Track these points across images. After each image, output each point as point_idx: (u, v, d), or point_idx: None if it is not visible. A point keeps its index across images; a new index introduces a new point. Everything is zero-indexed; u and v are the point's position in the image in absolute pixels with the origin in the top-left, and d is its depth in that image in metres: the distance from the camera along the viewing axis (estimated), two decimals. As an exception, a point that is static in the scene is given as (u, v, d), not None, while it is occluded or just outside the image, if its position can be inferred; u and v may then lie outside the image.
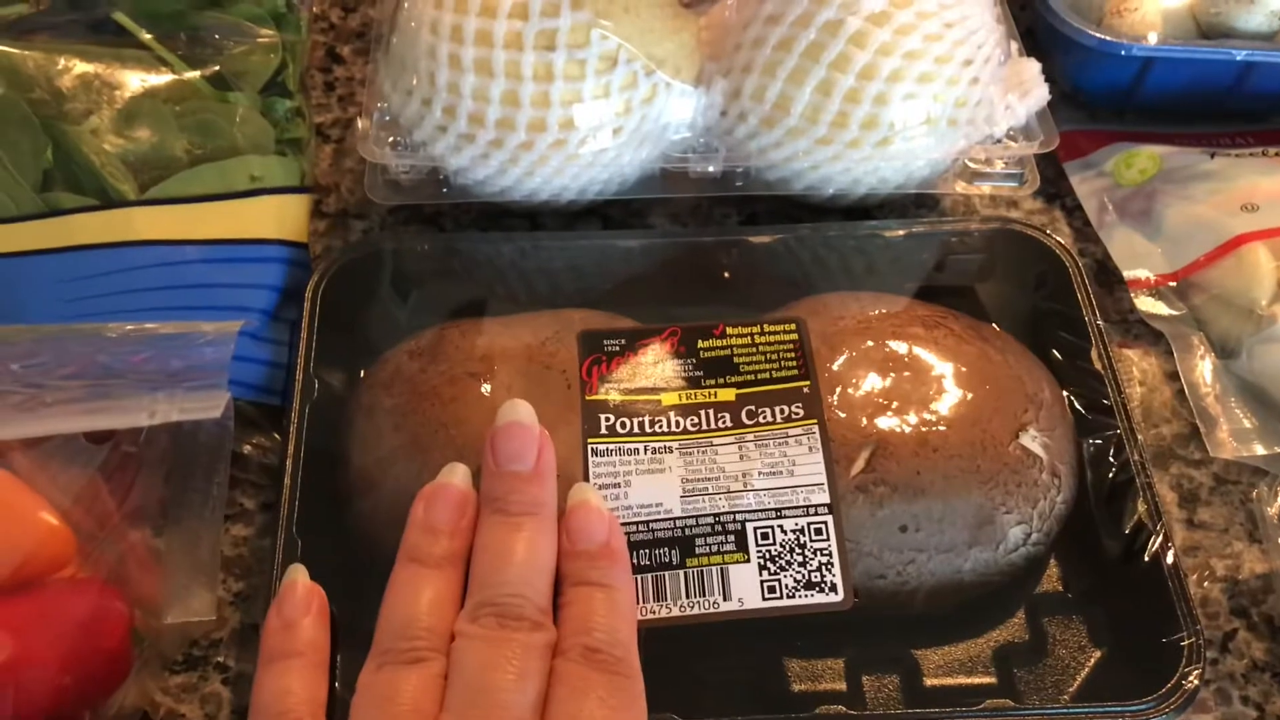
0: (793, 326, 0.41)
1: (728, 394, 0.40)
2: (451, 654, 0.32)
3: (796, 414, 0.39)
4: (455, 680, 0.31)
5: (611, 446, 0.38)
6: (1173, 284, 0.47)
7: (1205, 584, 0.41)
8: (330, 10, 0.57)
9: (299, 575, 0.35)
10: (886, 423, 0.38)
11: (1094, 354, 0.42)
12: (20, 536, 0.32)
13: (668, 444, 0.38)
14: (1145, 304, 0.47)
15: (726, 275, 0.46)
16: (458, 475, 0.36)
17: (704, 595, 0.36)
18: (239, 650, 0.39)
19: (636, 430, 0.39)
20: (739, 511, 0.37)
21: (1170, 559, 0.37)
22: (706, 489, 0.37)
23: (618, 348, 0.41)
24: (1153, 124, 0.53)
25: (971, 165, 0.47)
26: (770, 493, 0.37)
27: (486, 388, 0.39)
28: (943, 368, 0.40)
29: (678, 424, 0.39)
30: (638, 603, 0.35)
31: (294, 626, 0.34)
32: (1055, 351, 0.43)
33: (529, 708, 0.31)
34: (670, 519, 0.37)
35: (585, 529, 0.35)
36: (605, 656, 0.32)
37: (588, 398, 0.39)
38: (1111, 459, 0.40)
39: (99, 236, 0.41)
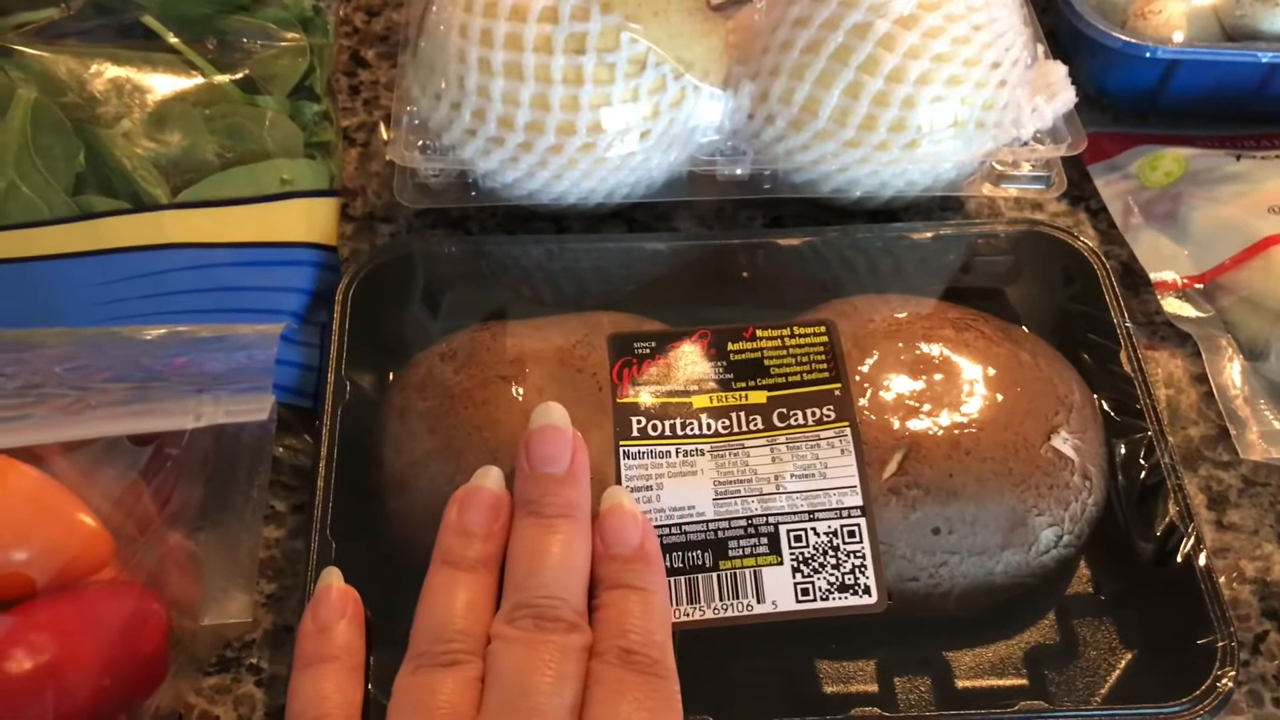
0: (823, 329, 0.41)
1: (759, 396, 0.40)
2: (488, 657, 0.32)
3: (828, 416, 0.39)
4: (492, 683, 0.31)
5: (643, 449, 0.38)
6: (1200, 286, 0.47)
7: (1235, 585, 0.41)
8: (354, 14, 0.57)
9: (334, 579, 0.35)
10: (918, 425, 0.38)
11: (1123, 356, 0.42)
12: (61, 541, 0.32)
13: (699, 446, 0.38)
14: (1172, 306, 0.47)
15: (753, 278, 0.46)
16: (491, 478, 0.36)
17: (737, 598, 0.36)
18: (272, 652, 0.39)
19: (668, 433, 0.39)
20: (771, 514, 0.37)
21: (1202, 561, 0.37)
22: (739, 491, 0.38)
23: (648, 350, 0.41)
24: (1177, 126, 0.53)
25: (998, 168, 0.47)
26: (803, 495, 0.37)
27: (519, 390, 0.39)
28: (973, 370, 0.40)
29: (709, 426, 0.39)
30: (671, 605, 0.36)
31: (329, 630, 0.34)
32: (1084, 354, 0.43)
33: (566, 710, 0.31)
34: (703, 521, 0.37)
35: (619, 532, 0.35)
36: (641, 658, 0.32)
37: (619, 400, 0.39)
38: (1142, 461, 0.40)
39: (131, 240, 0.41)
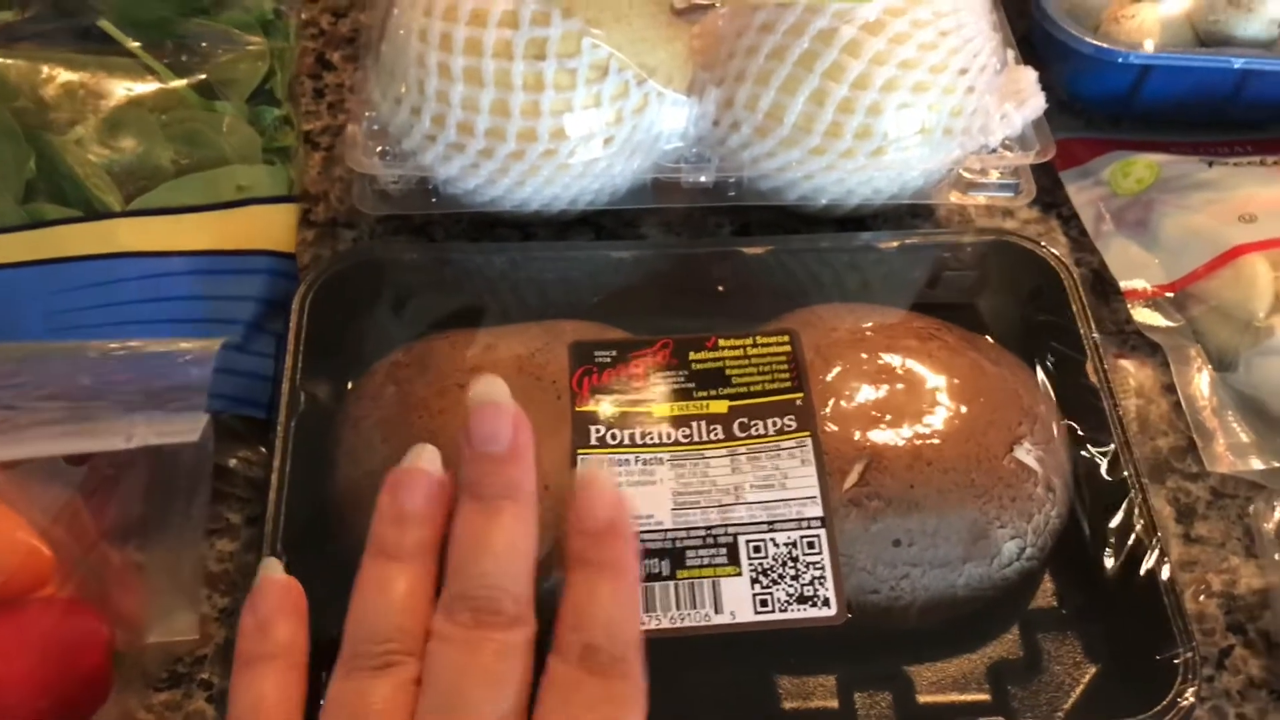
0: (786, 339, 0.41)
1: (720, 406, 0.39)
2: (425, 659, 0.30)
3: (789, 426, 0.38)
4: (427, 689, 0.30)
5: (601, 458, 0.38)
6: (1170, 295, 0.47)
7: (1201, 599, 0.41)
8: (320, 16, 0.57)
9: (274, 570, 0.34)
10: (880, 436, 0.38)
11: (1089, 367, 0.42)
12: (-2, 556, 0.31)
13: (659, 455, 0.38)
14: (1142, 315, 0.47)
15: (719, 286, 0.45)
16: (424, 458, 0.33)
17: (695, 607, 0.36)
18: (224, 667, 0.38)
19: (627, 441, 0.38)
20: (731, 524, 0.37)
21: (1166, 574, 0.37)
22: (698, 501, 0.37)
23: (609, 359, 0.40)
24: (1150, 132, 0.52)
25: (967, 175, 0.47)
26: (762, 505, 0.37)
27: (475, 401, 0.38)
28: (937, 380, 0.39)
29: (669, 435, 0.38)
30: None
31: (268, 626, 0.32)
32: (1050, 364, 0.43)
33: (507, 715, 0.29)
34: (661, 530, 0.37)
35: (591, 506, 0.32)
36: (604, 657, 0.30)
37: (578, 409, 0.39)
38: (1107, 473, 0.39)
39: (83, 248, 0.40)
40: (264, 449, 0.41)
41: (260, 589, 0.33)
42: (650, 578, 0.36)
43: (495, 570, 0.31)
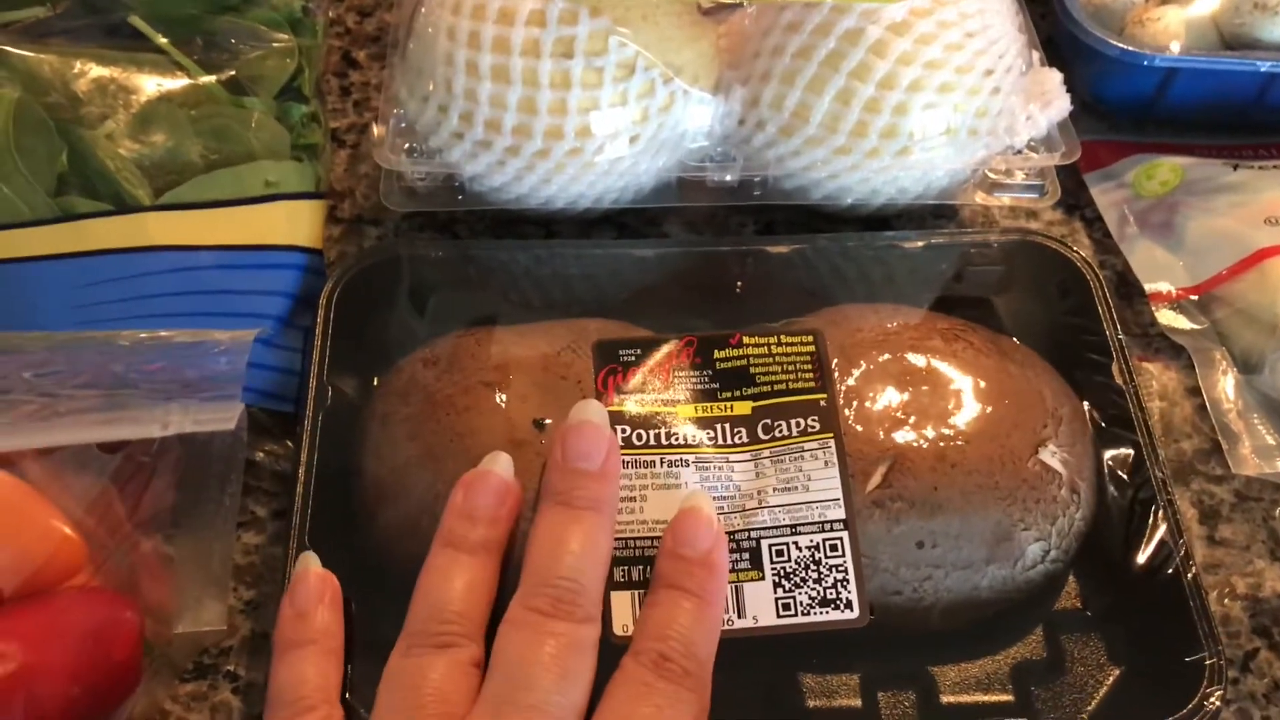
0: (810, 338, 0.41)
1: (744, 407, 0.39)
2: (496, 639, 0.32)
3: (813, 427, 0.38)
4: (496, 669, 0.31)
5: (627, 458, 0.38)
6: (1194, 297, 0.47)
7: (1226, 602, 0.41)
8: (346, 15, 0.57)
9: (311, 563, 0.35)
10: (904, 437, 0.38)
11: (1115, 369, 0.42)
12: (32, 545, 0.31)
13: (684, 457, 0.38)
14: (1166, 317, 0.46)
15: (742, 285, 0.45)
16: (500, 464, 0.35)
17: None
18: (249, 659, 0.38)
19: (652, 443, 0.38)
20: (753, 529, 0.37)
21: (1191, 577, 0.37)
22: (722, 507, 0.37)
23: (633, 357, 0.40)
24: (1174, 135, 0.52)
25: (991, 176, 0.47)
26: (785, 509, 0.37)
27: (501, 397, 0.39)
28: (962, 382, 0.39)
29: (693, 438, 0.38)
30: None
31: (307, 615, 0.34)
32: (1075, 366, 0.42)
33: (570, 709, 0.30)
34: None
35: (692, 534, 0.34)
36: (675, 667, 0.31)
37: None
38: (1132, 475, 0.39)
39: (113, 242, 0.41)
40: (290, 443, 0.41)
41: (298, 580, 0.35)
42: None
43: (575, 568, 0.33)
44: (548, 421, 0.38)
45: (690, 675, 0.32)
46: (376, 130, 0.45)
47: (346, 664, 0.34)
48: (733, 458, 0.38)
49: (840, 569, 0.36)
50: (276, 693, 0.32)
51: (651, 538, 0.36)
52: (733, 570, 0.36)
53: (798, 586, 0.36)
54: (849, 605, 0.36)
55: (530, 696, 0.30)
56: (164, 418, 0.32)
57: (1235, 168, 0.50)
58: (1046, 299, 0.45)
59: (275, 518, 0.41)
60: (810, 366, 0.40)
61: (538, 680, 0.30)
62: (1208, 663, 0.35)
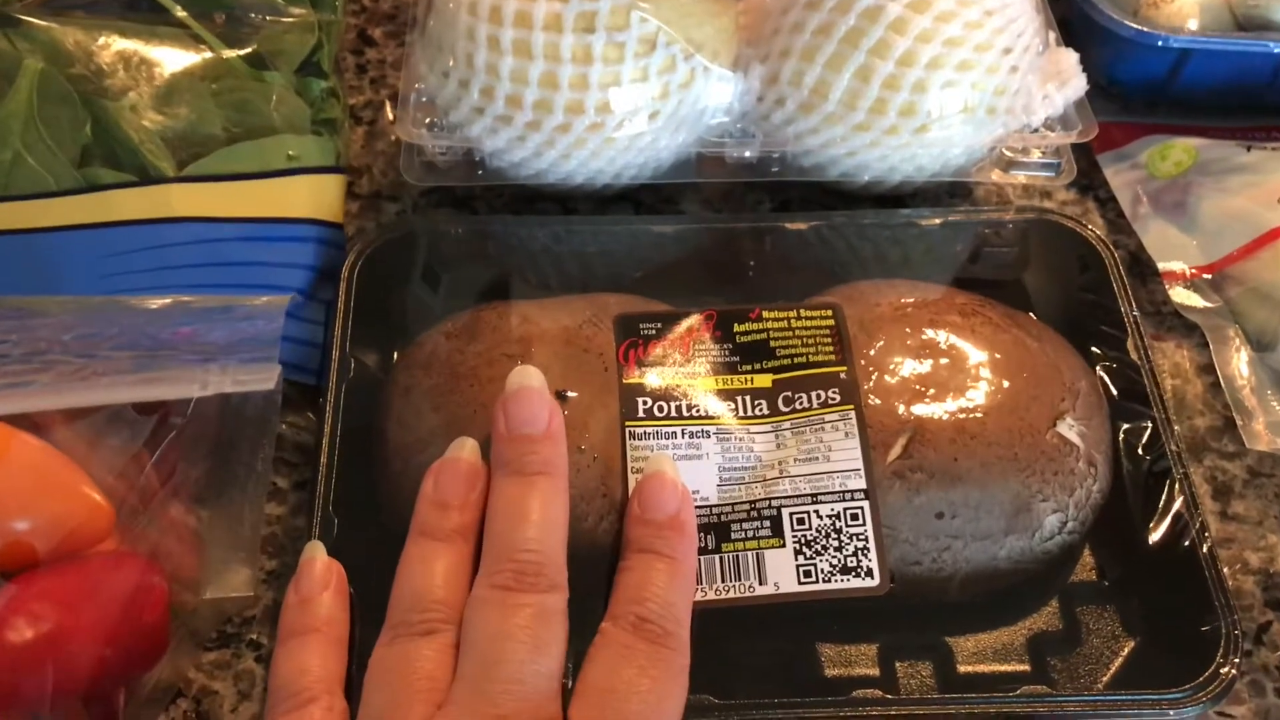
0: (829, 312, 0.41)
1: (764, 380, 0.40)
2: (465, 619, 0.32)
3: (833, 399, 0.39)
4: (467, 649, 0.31)
5: (649, 429, 0.38)
6: (1208, 276, 0.47)
7: (1239, 576, 0.41)
8: (362, -8, 0.57)
9: (317, 552, 0.35)
10: (924, 409, 0.38)
11: (1130, 344, 0.42)
12: (63, 511, 0.32)
13: (705, 428, 0.38)
14: (1180, 296, 0.47)
15: (759, 262, 0.45)
16: (466, 449, 0.36)
17: (740, 579, 0.36)
18: (272, 628, 0.38)
19: (673, 414, 0.38)
20: (774, 497, 0.37)
21: (1206, 548, 0.37)
22: (743, 477, 0.37)
23: (654, 331, 0.41)
24: (1188, 116, 0.52)
25: (1008, 154, 0.47)
26: (806, 478, 0.37)
27: (524, 369, 0.39)
28: (980, 355, 0.40)
29: (714, 410, 0.39)
30: None
31: (311, 602, 0.34)
32: (1091, 341, 0.43)
33: (546, 676, 0.31)
34: (707, 506, 0.37)
35: (657, 498, 0.35)
36: (655, 628, 0.32)
37: (625, 381, 0.39)
38: (1147, 449, 0.40)
39: (137, 213, 0.41)
40: (312, 415, 0.42)
41: (304, 567, 0.35)
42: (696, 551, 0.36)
43: (534, 538, 0.33)
44: (571, 394, 0.38)
45: (670, 635, 0.32)
46: (394, 108, 0.45)
47: (352, 655, 0.34)
48: (754, 429, 0.38)
49: (861, 537, 0.36)
50: (278, 682, 0.32)
51: (674, 507, 0.36)
52: (753, 538, 0.36)
53: (819, 554, 0.36)
54: (870, 573, 0.36)
55: (505, 670, 0.30)
56: (203, 378, 0.32)
57: (1249, 149, 0.50)
58: (1062, 277, 0.45)
59: (297, 489, 0.41)
60: (830, 340, 0.40)
61: (511, 654, 0.31)
62: (1222, 632, 0.36)
